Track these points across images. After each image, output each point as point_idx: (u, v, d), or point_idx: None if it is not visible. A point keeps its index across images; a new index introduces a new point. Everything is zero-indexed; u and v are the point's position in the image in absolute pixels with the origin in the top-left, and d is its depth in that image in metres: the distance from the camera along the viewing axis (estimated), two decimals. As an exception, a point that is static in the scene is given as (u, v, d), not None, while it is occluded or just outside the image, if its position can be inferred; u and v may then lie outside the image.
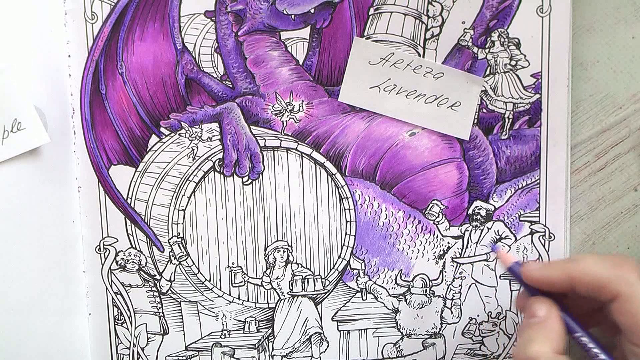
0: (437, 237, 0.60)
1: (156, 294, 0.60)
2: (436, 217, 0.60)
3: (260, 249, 0.60)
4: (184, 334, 0.61)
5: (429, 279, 0.60)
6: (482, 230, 0.60)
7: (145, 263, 0.60)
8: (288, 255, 0.60)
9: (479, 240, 0.60)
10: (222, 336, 0.61)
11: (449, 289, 0.60)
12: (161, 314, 0.61)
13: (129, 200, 0.59)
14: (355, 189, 0.59)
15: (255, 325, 0.61)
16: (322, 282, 0.61)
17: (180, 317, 0.61)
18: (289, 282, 0.61)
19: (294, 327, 0.61)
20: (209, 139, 0.59)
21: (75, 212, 0.59)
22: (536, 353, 0.47)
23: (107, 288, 0.60)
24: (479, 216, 0.59)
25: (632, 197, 0.59)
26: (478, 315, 0.61)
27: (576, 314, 0.50)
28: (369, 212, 0.60)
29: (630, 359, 0.47)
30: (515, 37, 0.56)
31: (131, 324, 0.61)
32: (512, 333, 0.60)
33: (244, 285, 0.61)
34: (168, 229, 0.60)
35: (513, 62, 0.57)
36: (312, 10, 0.57)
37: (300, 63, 0.58)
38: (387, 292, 0.61)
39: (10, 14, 0.54)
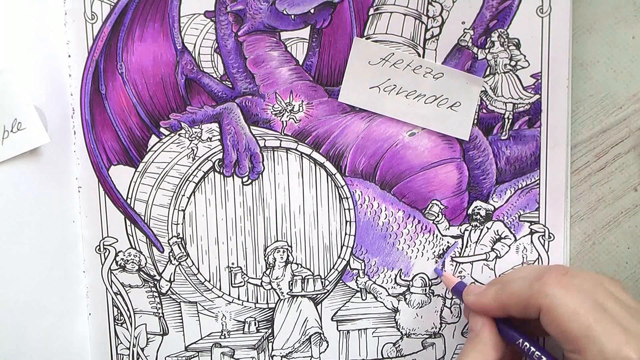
0: (436, 236, 0.60)
1: (156, 294, 0.60)
2: (436, 217, 0.60)
3: (260, 249, 0.60)
4: (183, 335, 0.61)
5: (428, 278, 0.60)
6: (482, 230, 0.60)
7: (145, 263, 0.60)
8: (288, 256, 0.60)
9: (478, 239, 0.60)
10: (222, 336, 0.61)
11: (449, 289, 0.60)
12: (161, 315, 0.61)
13: (128, 201, 0.59)
14: (355, 189, 0.59)
15: (255, 325, 0.61)
16: (322, 282, 0.61)
17: (180, 317, 0.61)
18: (289, 282, 0.61)
19: (293, 327, 0.61)
20: (208, 139, 0.59)
21: (75, 212, 0.59)
22: None
23: (107, 288, 0.60)
24: (478, 216, 0.59)
25: (632, 197, 0.59)
26: (478, 315, 0.61)
27: (534, 328, 0.52)
28: (368, 212, 0.60)
29: None
30: (515, 38, 0.56)
31: (131, 324, 0.61)
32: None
33: (243, 285, 0.61)
34: (168, 230, 0.60)
35: (513, 63, 0.57)
36: (312, 11, 0.57)
37: (300, 63, 0.58)
38: (387, 291, 0.61)
39: (10, 14, 0.54)
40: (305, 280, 0.61)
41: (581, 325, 0.46)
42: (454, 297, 0.60)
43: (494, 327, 0.53)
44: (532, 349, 0.51)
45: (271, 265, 0.60)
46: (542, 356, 0.50)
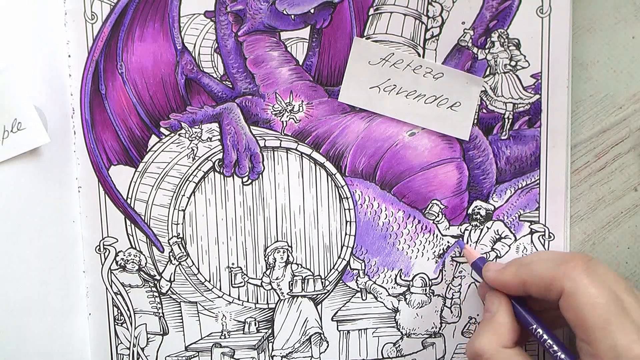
0: (436, 236, 0.60)
1: (156, 294, 0.60)
2: (436, 217, 0.60)
3: (260, 249, 0.60)
4: (183, 335, 0.61)
5: (428, 278, 0.60)
6: (482, 229, 0.60)
7: (145, 263, 0.60)
8: (288, 256, 0.60)
9: (478, 239, 0.60)
10: (222, 337, 0.61)
11: (449, 289, 0.61)
12: (161, 314, 0.61)
13: (128, 201, 0.59)
14: (355, 189, 0.59)
15: (255, 325, 0.61)
16: (322, 283, 0.61)
17: (180, 317, 0.61)
18: (289, 282, 0.61)
19: (293, 327, 0.61)
20: (208, 139, 0.59)
21: (75, 212, 0.59)
22: (481, 347, 0.50)
23: (107, 288, 0.60)
24: (478, 216, 0.59)
25: (632, 197, 0.59)
26: (478, 315, 0.61)
27: (548, 315, 0.52)
28: (368, 212, 0.60)
29: (580, 354, 0.48)
30: (515, 38, 0.56)
31: (131, 324, 0.61)
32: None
33: (243, 285, 0.61)
34: (168, 229, 0.60)
35: (513, 63, 0.57)
36: (312, 11, 0.57)
37: (300, 63, 0.58)
38: (387, 291, 0.61)
39: (10, 14, 0.54)
40: (306, 280, 0.61)
41: (599, 317, 0.46)
42: (473, 270, 0.59)
43: (510, 308, 0.52)
44: (545, 336, 0.50)
45: (271, 265, 0.60)
46: (554, 344, 0.50)
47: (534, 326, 0.51)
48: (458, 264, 0.60)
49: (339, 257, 0.60)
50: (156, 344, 0.61)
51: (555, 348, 0.50)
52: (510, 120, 0.58)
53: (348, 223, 0.60)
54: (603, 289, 0.47)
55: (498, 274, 0.53)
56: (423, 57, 0.57)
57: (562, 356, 0.49)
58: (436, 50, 0.57)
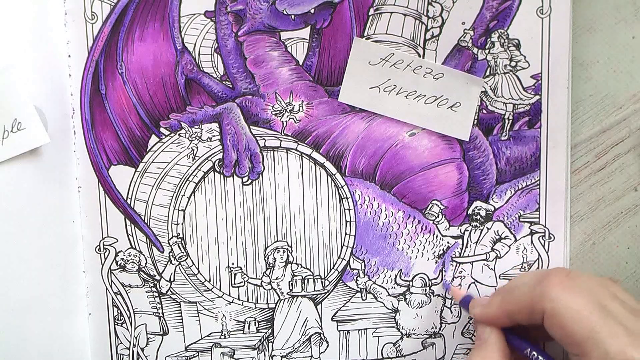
0: (436, 237, 0.60)
1: (156, 294, 0.60)
2: (436, 217, 0.60)
3: (260, 249, 0.60)
4: (183, 335, 0.61)
5: (428, 278, 0.60)
6: (482, 230, 0.60)
7: (145, 263, 0.60)
8: (288, 256, 0.60)
9: (478, 240, 0.60)
10: (222, 337, 0.61)
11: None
12: (161, 315, 0.61)
13: (128, 201, 0.59)
14: (355, 189, 0.59)
15: (255, 325, 0.61)
16: (322, 282, 0.61)
17: (180, 317, 0.61)
18: (289, 282, 0.61)
19: (293, 327, 0.61)
20: (208, 139, 0.59)
21: (75, 212, 0.59)
22: None
23: (107, 288, 0.60)
24: (478, 216, 0.59)
25: (632, 197, 0.59)
26: (478, 315, 0.61)
27: (539, 331, 0.51)
28: (368, 212, 0.60)
29: None
30: (515, 38, 0.56)
31: (131, 324, 0.61)
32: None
33: (243, 285, 0.61)
34: (168, 230, 0.60)
35: (513, 63, 0.57)
36: (312, 11, 0.57)
37: (300, 63, 0.58)
38: (387, 291, 0.61)
39: (10, 14, 0.54)
40: (305, 280, 0.61)
41: (585, 328, 0.46)
42: (462, 308, 0.61)
43: (501, 335, 0.53)
44: (540, 357, 0.51)
45: (271, 265, 0.60)
46: None
47: (528, 349, 0.52)
48: (458, 264, 0.60)
49: (338, 257, 0.60)
50: (156, 344, 0.61)
51: None
52: (510, 121, 0.58)
53: (348, 223, 0.60)
54: (584, 300, 0.47)
55: (484, 311, 0.53)
56: (423, 57, 0.57)
57: None
58: (436, 50, 0.57)
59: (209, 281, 0.60)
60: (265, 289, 0.61)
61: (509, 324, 0.52)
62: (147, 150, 0.59)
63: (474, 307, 0.55)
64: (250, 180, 0.59)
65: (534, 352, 0.51)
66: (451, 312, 0.61)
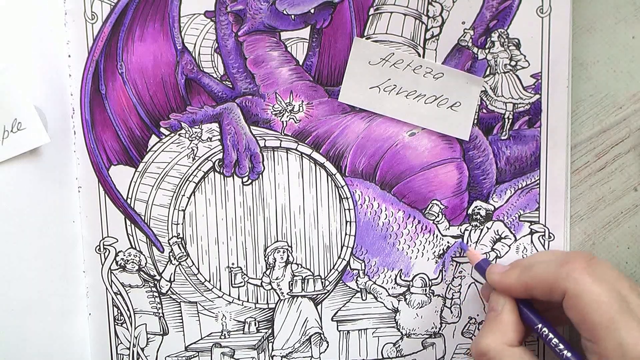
0: (436, 236, 0.60)
1: (156, 294, 0.60)
2: (436, 217, 0.60)
3: (260, 249, 0.60)
4: (183, 335, 0.61)
5: (428, 278, 0.60)
6: (482, 230, 0.60)
7: (145, 263, 0.60)
8: (288, 256, 0.60)
9: (478, 239, 0.60)
10: (222, 337, 0.61)
11: (449, 289, 0.61)
12: (161, 315, 0.61)
13: (128, 201, 0.59)
14: (355, 189, 0.59)
15: (255, 325, 0.61)
16: (322, 283, 0.61)
17: (180, 317, 0.61)
18: (289, 282, 0.61)
19: (293, 327, 0.61)
20: (208, 139, 0.59)
21: (75, 212, 0.59)
22: (487, 346, 0.51)
23: (107, 288, 0.60)
24: (478, 216, 0.59)
25: (632, 197, 0.59)
26: (478, 315, 0.61)
27: (552, 313, 0.52)
28: (368, 212, 0.60)
29: (586, 352, 0.48)
30: (515, 38, 0.56)
31: (131, 324, 0.61)
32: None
33: (243, 285, 0.61)
34: (168, 230, 0.60)
35: (513, 63, 0.57)
36: (312, 11, 0.57)
37: (300, 63, 0.58)
38: (387, 292, 0.61)
39: (10, 14, 0.54)
40: (306, 280, 0.61)
41: (603, 316, 0.46)
42: (478, 272, 0.59)
43: (515, 308, 0.52)
44: (551, 335, 0.51)
45: (271, 265, 0.60)
46: (560, 343, 0.50)
47: (539, 325, 0.52)
48: (458, 264, 0.60)
49: (339, 257, 0.60)
50: (156, 344, 0.61)
51: (562, 347, 0.50)
52: (510, 120, 0.58)
53: (348, 223, 0.60)
54: (606, 288, 0.47)
55: (502, 278, 0.53)
56: (423, 57, 0.57)
57: (569, 355, 0.49)
58: (436, 50, 0.57)
59: (209, 281, 0.60)
60: (265, 289, 0.61)
61: (525, 297, 0.52)
62: (147, 150, 0.59)
63: (492, 274, 0.54)
64: (250, 180, 0.59)
65: (544, 329, 0.51)
66: (451, 312, 0.61)
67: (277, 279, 0.61)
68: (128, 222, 0.59)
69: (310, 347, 0.61)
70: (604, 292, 0.47)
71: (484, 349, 0.51)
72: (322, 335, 0.61)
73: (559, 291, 0.48)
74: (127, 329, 0.61)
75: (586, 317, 0.47)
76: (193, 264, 0.60)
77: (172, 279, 0.60)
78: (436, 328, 0.61)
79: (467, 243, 0.60)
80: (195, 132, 0.59)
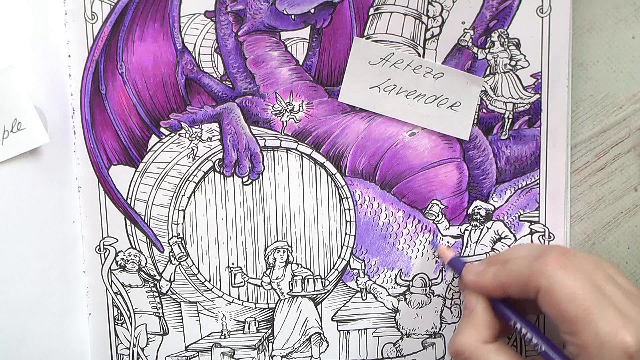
0: (436, 236, 0.60)
1: (156, 294, 0.60)
2: (436, 217, 0.60)
3: (260, 249, 0.60)
4: (183, 335, 0.61)
5: (428, 278, 0.60)
6: (482, 230, 0.60)
7: (145, 263, 0.60)
8: (288, 256, 0.60)
9: (478, 239, 0.60)
10: (222, 336, 0.61)
11: (449, 289, 0.61)
12: (161, 315, 0.61)
13: (129, 201, 0.59)
14: (355, 189, 0.59)
15: (255, 325, 0.61)
16: (322, 282, 0.61)
17: (180, 317, 0.61)
18: (289, 282, 0.61)
19: (293, 327, 0.61)
20: (209, 139, 0.59)
21: (75, 212, 0.59)
22: (461, 344, 0.51)
23: (107, 288, 0.60)
24: (478, 216, 0.59)
25: (632, 197, 0.59)
26: (478, 315, 0.61)
27: (530, 303, 0.51)
28: (368, 212, 0.60)
29: (565, 345, 0.47)
30: (515, 38, 0.56)
31: (131, 324, 0.61)
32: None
33: (243, 285, 0.61)
34: (168, 229, 0.60)
35: (513, 62, 0.57)
36: (312, 10, 0.57)
37: (300, 63, 0.58)
38: (387, 291, 0.61)
39: (10, 14, 0.54)
40: (306, 280, 0.61)
41: (579, 308, 0.46)
42: (449, 271, 0.60)
43: (488, 304, 0.52)
44: (524, 329, 0.51)
45: (271, 265, 0.60)
46: (534, 337, 0.50)
47: (513, 320, 0.51)
48: (458, 264, 0.60)
49: (339, 257, 0.60)
50: (156, 344, 0.61)
51: (535, 341, 0.50)
52: (510, 120, 0.58)
53: (348, 223, 0.60)
54: (580, 280, 0.47)
55: (477, 278, 0.53)
56: (423, 57, 0.57)
57: (543, 349, 0.49)
58: (436, 50, 0.57)
59: (209, 281, 0.60)
60: (265, 289, 0.61)
61: (501, 296, 0.51)
62: (147, 150, 0.59)
63: (468, 275, 0.54)
64: (250, 180, 0.59)
65: (517, 325, 0.51)
66: (451, 312, 0.61)
67: (277, 278, 0.61)
68: (128, 222, 0.59)
69: (310, 347, 0.61)
70: (578, 285, 0.46)
71: (460, 348, 0.51)
72: (322, 335, 0.61)
73: (533, 288, 0.48)
74: (127, 329, 0.61)
75: (562, 312, 0.46)
76: (193, 263, 0.60)
77: (172, 279, 0.60)
78: (436, 328, 0.61)
79: (466, 242, 0.60)
80: (195, 132, 0.59)
